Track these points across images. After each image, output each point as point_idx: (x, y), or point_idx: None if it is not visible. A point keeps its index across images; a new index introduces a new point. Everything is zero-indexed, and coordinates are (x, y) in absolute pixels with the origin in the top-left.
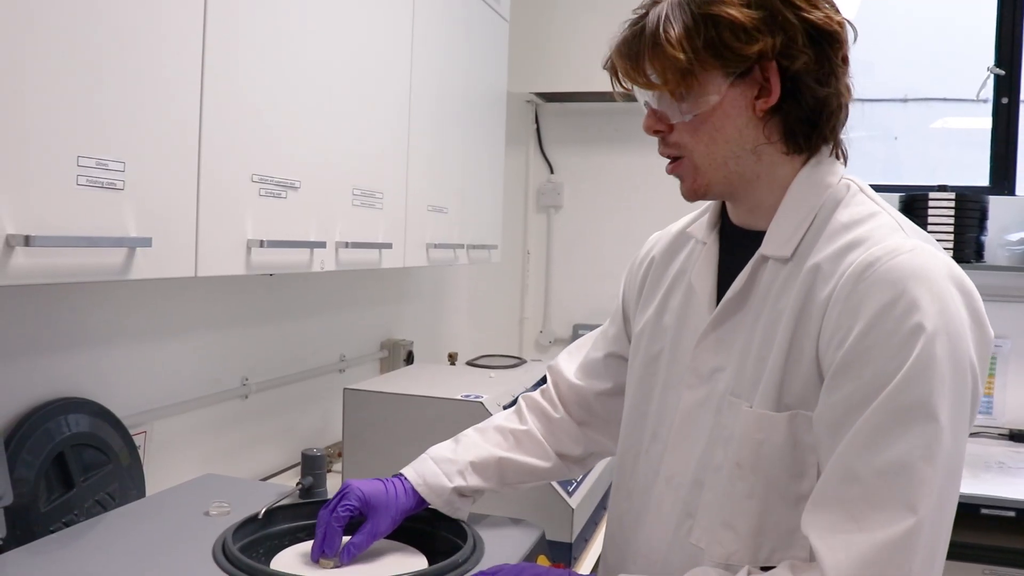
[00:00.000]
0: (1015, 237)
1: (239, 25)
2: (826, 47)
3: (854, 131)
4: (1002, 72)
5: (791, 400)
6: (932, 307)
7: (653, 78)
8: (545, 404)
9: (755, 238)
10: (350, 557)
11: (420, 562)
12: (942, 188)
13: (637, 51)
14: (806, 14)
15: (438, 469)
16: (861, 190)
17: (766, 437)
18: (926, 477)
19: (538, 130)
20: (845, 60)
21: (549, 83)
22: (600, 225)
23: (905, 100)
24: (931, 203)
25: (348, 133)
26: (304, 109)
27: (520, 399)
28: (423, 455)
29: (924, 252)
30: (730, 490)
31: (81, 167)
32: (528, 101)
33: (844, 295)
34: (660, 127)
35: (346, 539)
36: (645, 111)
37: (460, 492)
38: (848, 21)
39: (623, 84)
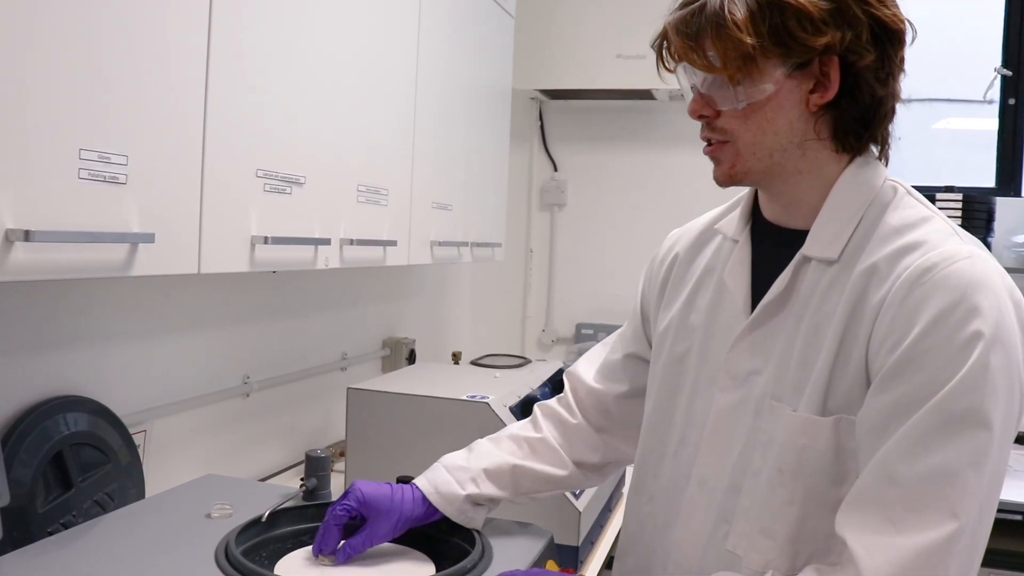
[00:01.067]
0: (1021, 239)
1: (244, 17)
2: (889, 46)
3: None
4: (1009, 73)
5: (836, 404)
6: (991, 315)
7: (713, 59)
8: (562, 411)
9: (791, 236)
10: (346, 557)
11: (428, 568)
12: (949, 189)
13: (698, 30)
14: (875, 10)
15: (450, 477)
16: (908, 192)
17: (809, 442)
18: (971, 485)
19: (542, 127)
20: (903, 61)
21: (554, 80)
22: (604, 224)
23: (908, 100)
24: (938, 204)
25: (353, 129)
26: (310, 105)
27: (536, 407)
28: (435, 464)
29: (981, 259)
30: (769, 496)
31: (83, 160)
32: (532, 98)
33: (900, 299)
34: (707, 112)
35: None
36: (691, 95)
37: (473, 500)
38: (909, 21)
39: (667, 65)
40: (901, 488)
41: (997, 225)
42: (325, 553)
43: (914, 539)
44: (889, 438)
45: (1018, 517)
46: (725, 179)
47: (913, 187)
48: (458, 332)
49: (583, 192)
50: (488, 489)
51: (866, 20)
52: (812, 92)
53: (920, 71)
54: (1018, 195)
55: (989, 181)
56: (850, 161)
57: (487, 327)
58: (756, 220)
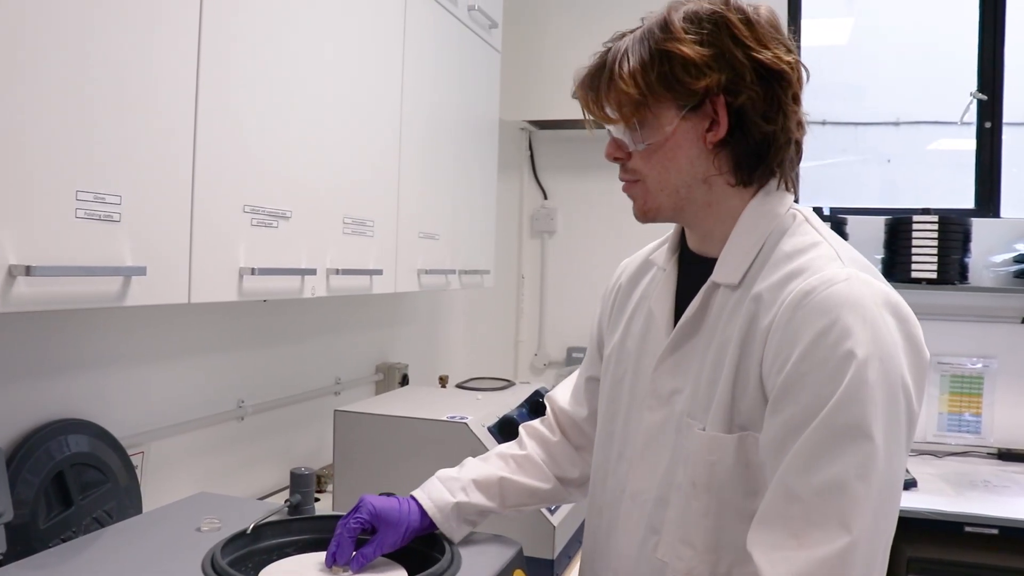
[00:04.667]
0: (999, 258)
1: (231, 60)
2: (774, 85)
3: (847, 154)
4: (984, 97)
5: (741, 421)
6: (863, 334)
7: (609, 111)
8: (544, 431)
9: (708, 265)
10: (359, 566)
11: (400, 574)
12: (925, 211)
13: (596, 85)
14: (755, 53)
15: (443, 486)
16: (807, 220)
17: (718, 458)
18: (860, 496)
19: (532, 157)
20: (796, 99)
21: (542, 111)
22: (593, 250)
23: (897, 123)
24: (915, 226)
25: (339, 164)
26: (296, 142)
27: (521, 428)
28: (431, 477)
29: (858, 280)
30: (687, 508)
31: (80, 201)
32: (522, 128)
33: (783, 323)
34: (619, 154)
35: None
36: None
37: (462, 509)
38: (801, 62)
39: (589, 115)
40: (800, 503)
41: (975, 246)
42: (340, 563)
43: (813, 551)
44: (785, 456)
45: (995, 531)
46: (640, 215)
47: (894, 209)
48: (451, 357)
49: (573, 219)
50: (477, 498)
51: (747, 63)
52: (708, 131)
53: (908, 95)
54: (996, 215)
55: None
56: (755, 193)
57: (480, 352)
58: (684, 251)
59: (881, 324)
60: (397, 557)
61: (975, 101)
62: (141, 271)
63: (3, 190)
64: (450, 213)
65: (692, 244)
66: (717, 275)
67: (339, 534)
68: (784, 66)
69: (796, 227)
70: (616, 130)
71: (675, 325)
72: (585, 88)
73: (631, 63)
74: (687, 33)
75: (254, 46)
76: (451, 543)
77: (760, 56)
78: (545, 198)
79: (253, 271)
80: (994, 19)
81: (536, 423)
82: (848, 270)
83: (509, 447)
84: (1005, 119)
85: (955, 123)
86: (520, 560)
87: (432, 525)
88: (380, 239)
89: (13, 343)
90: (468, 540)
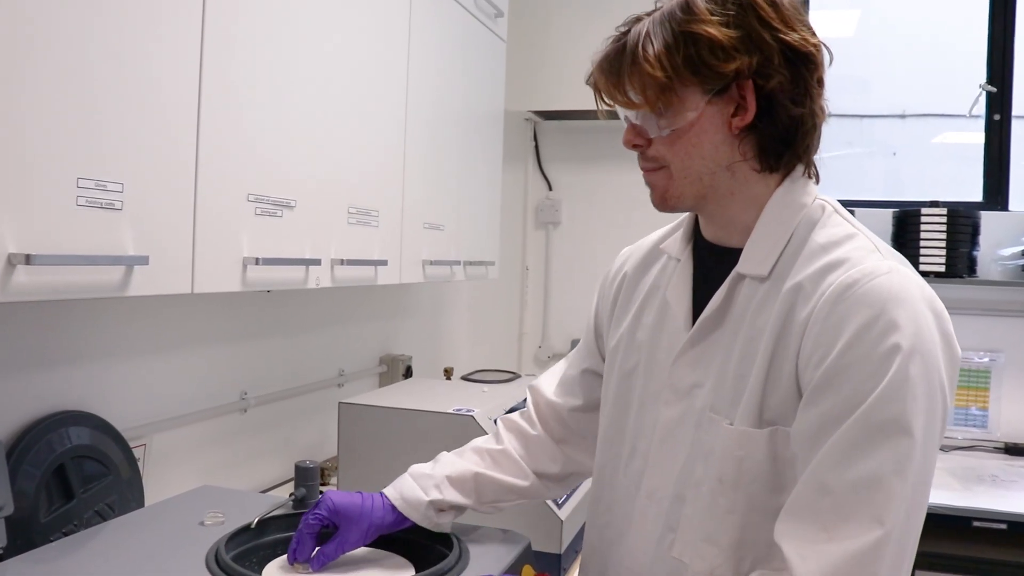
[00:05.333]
0: (1008, 252)
1: (235, 48)
2: (801, 68)
3: (853, 147)
4: (994, 89)
5: (771, 416)
6: (908, 328)
7: (632, 95)
8: (523, 423)
9: (728, 255)
10: (320, 565)
11: (407, 572)
12: (934, 204)
13: (618, 68)
14: (783, 35)
15: (415, 484)
16: (836, 211)
17: (747, 453)
18: (896, 491)
19: (536, 148)
20: (820, 82)
21: (547, 101)
22: (598, 241)
23: (904, 116)
24: (923, 219)
25: (344, 153)
26: (300, 130)
27: (499, 421)
28: (404, 474)
29: (900, 274)
30: (711, 505)
31: (81, 188)
32: (527, 119)
33: (824, 315)
34: (639, 141)
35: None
36: (625, 126)
37: (437, 506)
38: (824, 44)
39: (605, 101)
40: (832, 497)
41: (983, 239)
42: (300, 561)
43: (844, 545)
44: (820, 449)
45: (1003, 526)
46: (660, 204)
47: (903, 202)
48: (455, 349)
49: (577, 210)
50: (451, 495)
51: (775, 44)
52: (733, 116)
53: (914, 87)
54: (1005, 209)
55: (980, 195)
56: (780, 181)
57: (484, 344)
58: (697, 240)
59: (923, 320)
60: (404, 552)
61: (984, 93)
62: (143, 260)
63: (3, 177)
64: (455, 203)
65: (708, 234)
66: (743, 266)
67: (299, 531)
68: (811, 48)
69: (827, 218)
70: (636, 116)
71: (693, 317)
72: (605, 72)
73: (655, 45)
74: (712, 15)
75: (258, 34)
76: (459, 538)
77: (788, 38)
78: (550, 189)
79: (257, 261)
80: (1004, 10)
81: (515, 416)
82: (889, 263)
83: (486, 441)
84: (1014, 112)
85: (961, 116)
86: (529, 555)
87: (402, 520)
88: (385, 229)
89: (13, 333)
90: (477, 535)
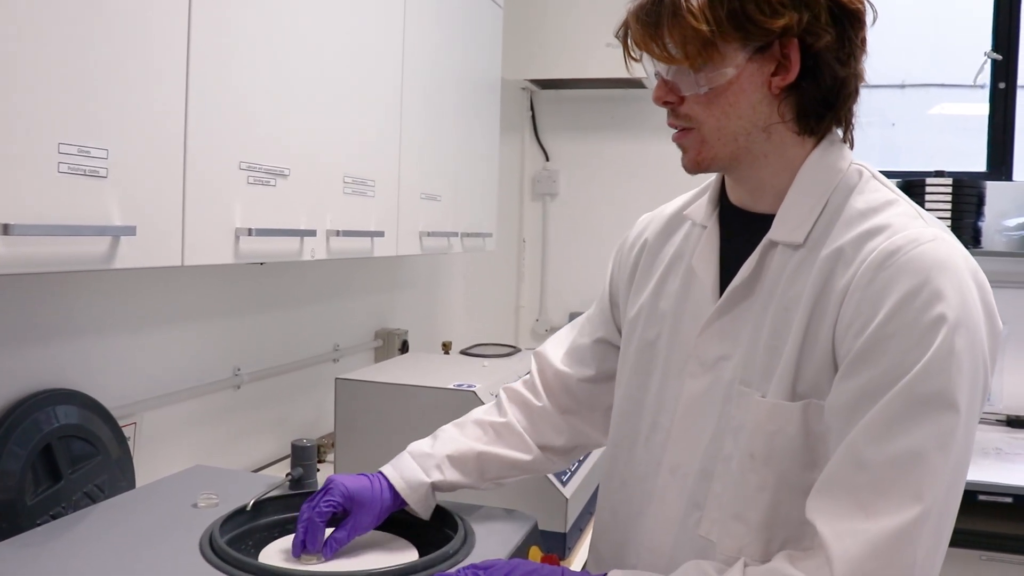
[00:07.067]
0: (1013, 222)
1: (226, 8)
2: (848, 27)
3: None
4: (999, 57)
5: (804, 389)
6: (954, 298)
7: (672, 49)
8: (527, 394)
9: (757, 221)
10: (333, 552)
11: (411, 554)
12: (939, 174)
13: (656, 19)
14: None
15: (415, 464)
16: (874, 176)
17: (779, 427)
18: (937, 467)
19: (533, 117)
20: (864, 42)
21: (544, 70)
22: (596, 212)
23: (903, 86)
24: (928, 189)
25: (339, 121)
26: (294, 97)
27: (501, 390)
28: (403, 452)
29: (945, 242)
30: (741, 481)
31: (62, 154)
32: (523, 88)
33: (865, 283)
34: (671, 98)
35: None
36: (655, 81)
37: (438, 487)
38: (869, 2)
39: (632, 54)
40: (869, 472)
41: (988, 209)
42: (311, 551)
43: (882, 523)
44: (857, 422)
45: (1008, 499)
46: (693, 166)
47: (906, 171)
48: (452, 322)
49: (575, 181)
50: (452, 475)
51: (824, 1)
52: (774, 75)
53: (913, 57)
54: (1009, 179)
55: (981, 165)
56: (815, 145)
57: (481, 317)
58: (723, 205)
59: (968, 291)
60: (405, 534)
61: (989, 61)
62: (130, 231)
63: None
64: (452, 174)
65: (736, 198)
66: (776, 233)
67: (307, 519)
68: (860, 4)
69: (864, 184)
70: (668, 71)
71: (721, 286)
72: (641, 22)
73: None
74: None
75: None
76: (463, 519)
77: None
78: (547, 160)
79: (250, 232)
80: None
81: (518, 386)
82: (933, 230)
83: (487, 412)
84: (1020, 80)
85: (961, 86)
86: (535, 535)
87: (402, 502)
88: (381, 200)
89: None
90: (482, 515)
